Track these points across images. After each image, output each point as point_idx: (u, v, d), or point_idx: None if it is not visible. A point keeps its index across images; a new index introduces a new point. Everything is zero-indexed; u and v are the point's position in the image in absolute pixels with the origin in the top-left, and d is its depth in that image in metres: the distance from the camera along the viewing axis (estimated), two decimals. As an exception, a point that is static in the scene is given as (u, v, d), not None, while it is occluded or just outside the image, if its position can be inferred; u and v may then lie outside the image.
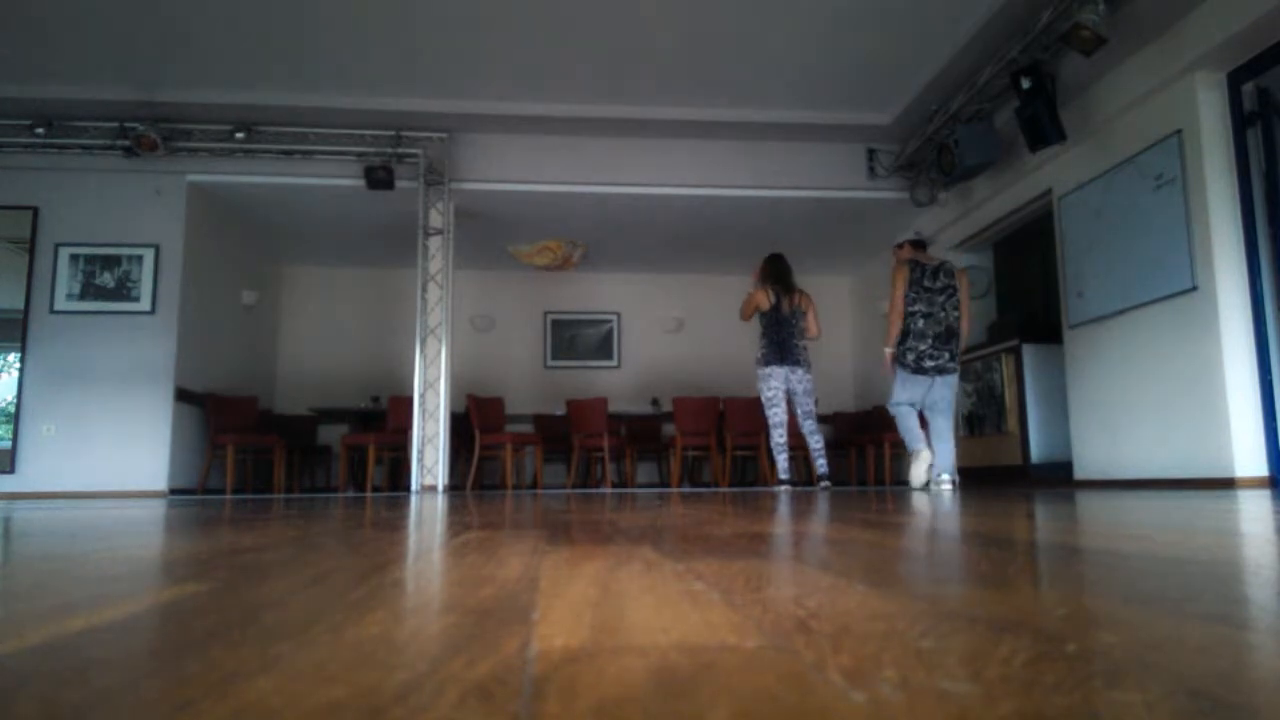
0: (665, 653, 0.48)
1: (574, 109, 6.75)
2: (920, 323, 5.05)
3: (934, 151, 6.75)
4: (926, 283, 5.06)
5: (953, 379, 5.12)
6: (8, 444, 6.60)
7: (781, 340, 5.61)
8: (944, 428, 5.11)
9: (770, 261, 5.82)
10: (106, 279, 6.80)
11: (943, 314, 5.07)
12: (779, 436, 5.59)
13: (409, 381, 7.19)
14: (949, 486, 4.92)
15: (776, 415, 5.59)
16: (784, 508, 2.73)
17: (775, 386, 5.59)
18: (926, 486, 5.01)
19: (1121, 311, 5.41)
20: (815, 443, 5.67)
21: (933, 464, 5.02)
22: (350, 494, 6.64)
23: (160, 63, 6.06)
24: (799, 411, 5.70)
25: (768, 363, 5.62)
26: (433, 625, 0.59)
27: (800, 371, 5.63)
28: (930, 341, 5.05)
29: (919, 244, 5.29)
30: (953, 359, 5.10)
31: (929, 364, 5.05)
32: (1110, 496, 3.54)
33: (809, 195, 7.41)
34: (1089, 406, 5.78)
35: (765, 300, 5.65)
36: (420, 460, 6.76)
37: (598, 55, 5.97)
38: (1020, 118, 5.52)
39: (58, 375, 6.64)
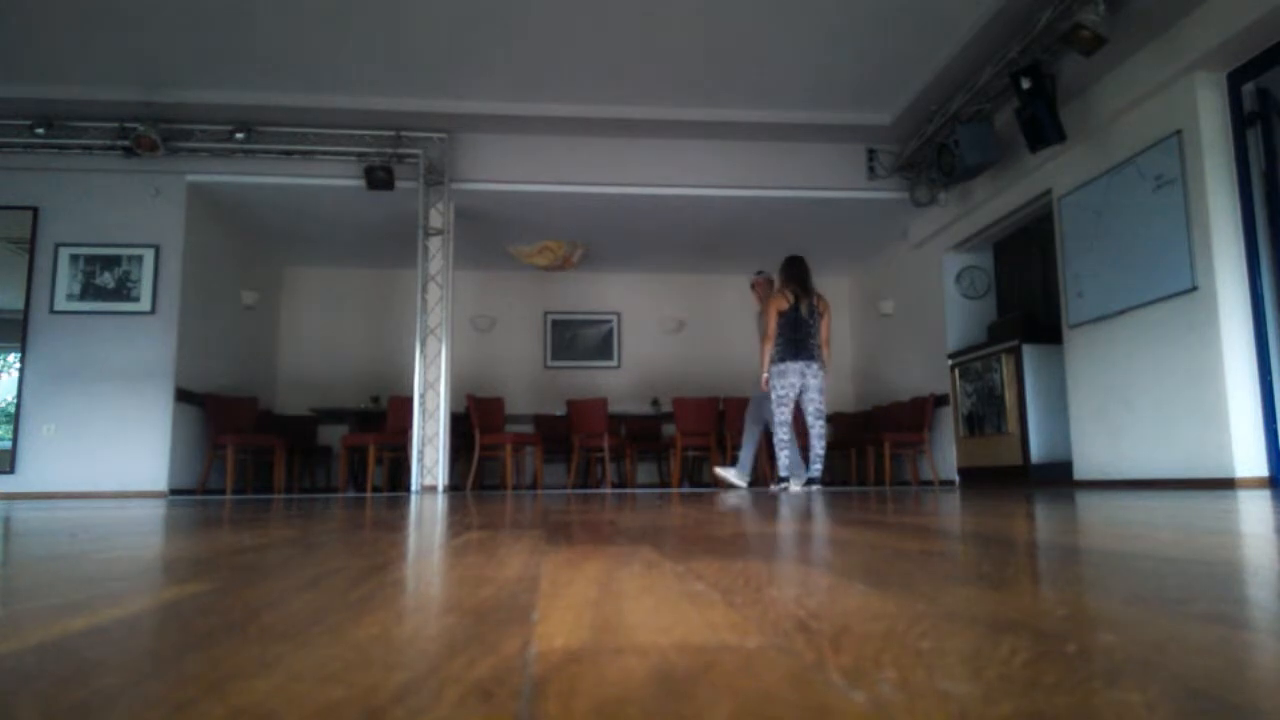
0: (665, 653, 0.48)
1: (574, 109, 6.75)
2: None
3: (934, 152, 6.75)
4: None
5: None
6: (8, 444, 6.60)
7: (798, 340, 5.58)
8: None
9: (790, 263, 5.78)
10: (106, 279, 6.80)
11: None
12: (783, 433, 5.57)
13: (409, 382, 7.18)
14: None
15: (783, 413, 5.56)
16: (784, 508, 2.73)
17: (790, 383, 5.55)
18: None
19: (1121, 311, 5.41)
20: (820, 446, 5.58)
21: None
22: (350, 494, 6.64)
23: (160, 63, 6.06)
24: (810, 409, 5.61)
25: (783, 359, 5.57)
26: (433, 626, 0.59)
27: (815, 367, 5.59)
28: None
29: None
30: None
31: None
32: (1110, 497, 3.54)
33: (809, 195, 7.41)
34: (1089, 407, 5.78)
35: (784, 301, 5.62)
36: (420, 460, 6.76)
37: (597, 56, 5.97)
38: (1020, 118, 5.52)
39: (58, 375, 6.64)
